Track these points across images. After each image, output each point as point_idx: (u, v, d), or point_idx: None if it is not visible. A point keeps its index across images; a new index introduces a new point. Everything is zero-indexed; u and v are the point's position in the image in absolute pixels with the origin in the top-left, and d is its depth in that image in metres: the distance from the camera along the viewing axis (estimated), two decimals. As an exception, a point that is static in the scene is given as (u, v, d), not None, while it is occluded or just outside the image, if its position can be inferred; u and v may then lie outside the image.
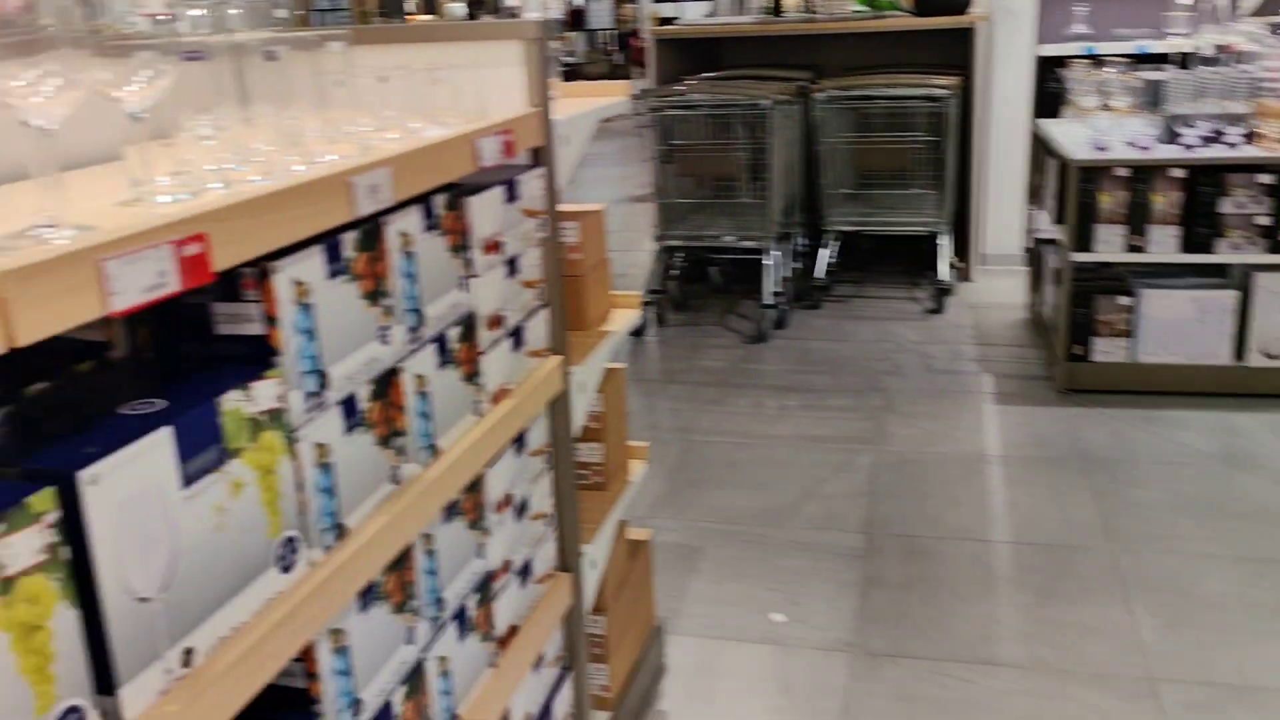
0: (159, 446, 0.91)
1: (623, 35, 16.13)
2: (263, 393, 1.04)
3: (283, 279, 1.08)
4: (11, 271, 0.74)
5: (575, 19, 15.37)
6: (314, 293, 1.13)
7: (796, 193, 5.25)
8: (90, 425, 0.92)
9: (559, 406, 1.79)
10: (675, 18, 6.86)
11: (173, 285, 0.89)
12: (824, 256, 5.19)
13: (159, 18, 0.97)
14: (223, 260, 0.95)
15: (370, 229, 1.24)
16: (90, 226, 0.96)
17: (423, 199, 1.36)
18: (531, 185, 1.67)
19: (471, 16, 13.31)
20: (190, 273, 0.91)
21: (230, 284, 1.07)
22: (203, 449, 0.96)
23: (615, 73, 13.97)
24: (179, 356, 1.11)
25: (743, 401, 4.06)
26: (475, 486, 1.51)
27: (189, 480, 0.94)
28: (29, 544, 0.78)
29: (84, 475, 0.83)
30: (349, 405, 1.20)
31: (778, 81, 5.04)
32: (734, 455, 3.59)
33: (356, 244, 1.21)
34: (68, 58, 0.89)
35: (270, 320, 1.07)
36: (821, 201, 5.20)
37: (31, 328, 0.76)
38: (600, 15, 16.11)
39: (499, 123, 1.51)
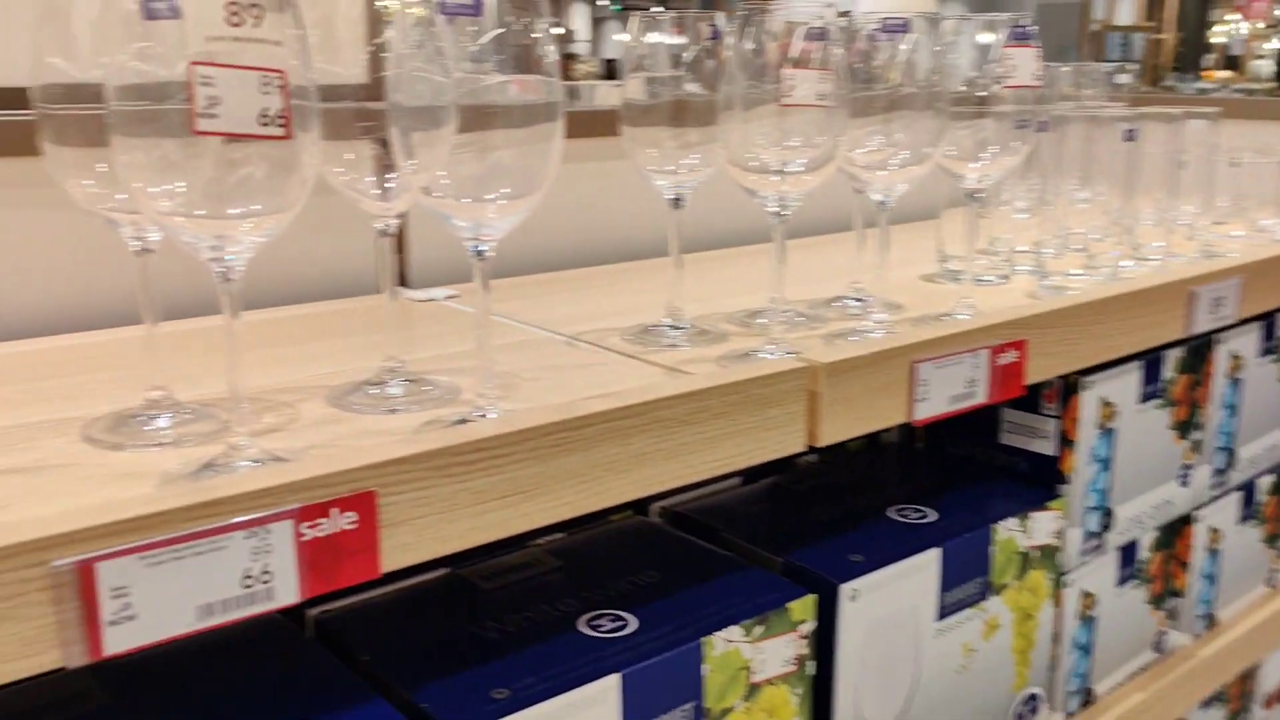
0: (925, 568, 0.80)
1: None
2: (1041, 525, 0.89)
3: (1090, 396, 0.91)
4: (826, 365, 0.68)
5: None
6: (1120, 416, 0.95)
7: None
8: (855, 523, 0.85)
9: (1375, 592, 1.39)
10: None
11: (980, 397, 0.77)
12: None
13: (1021, 89, 0.87)
14: (1036, 372, 0.82)
15: (1197, 347, 1.02)
16: (897, 305, 0.89)
17: (1262, 316, 1.11)
18: (1405, 311, 1.30)
19: None
20: (1001, 385, 0.78)
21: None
22: (966, 579, 0.84)
23: None
24: (952, 456, 1.01)
25: None
26: (1247, 672, 1.22)
27: (945, 611, 0.82)
28: (781, 651, 0.72)
29: (846, 588, 0.75)
30: (1128, 553, 1.00)
31: None
32: None
33: (1179, 364, 1.00)
34: (914, 122, 0.81)
35: (1066, 442, 0.91)
36: None
37: (833, 429, 0.69)
38: None
39: (1383, 230, 1.18)
